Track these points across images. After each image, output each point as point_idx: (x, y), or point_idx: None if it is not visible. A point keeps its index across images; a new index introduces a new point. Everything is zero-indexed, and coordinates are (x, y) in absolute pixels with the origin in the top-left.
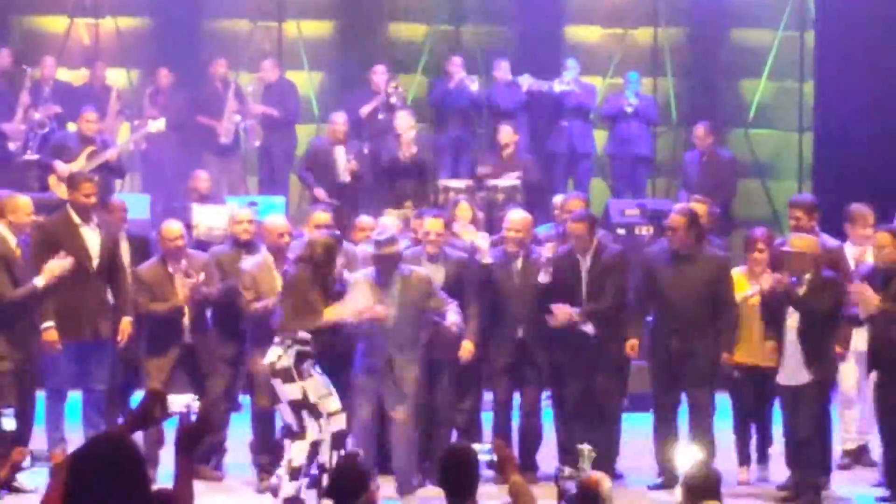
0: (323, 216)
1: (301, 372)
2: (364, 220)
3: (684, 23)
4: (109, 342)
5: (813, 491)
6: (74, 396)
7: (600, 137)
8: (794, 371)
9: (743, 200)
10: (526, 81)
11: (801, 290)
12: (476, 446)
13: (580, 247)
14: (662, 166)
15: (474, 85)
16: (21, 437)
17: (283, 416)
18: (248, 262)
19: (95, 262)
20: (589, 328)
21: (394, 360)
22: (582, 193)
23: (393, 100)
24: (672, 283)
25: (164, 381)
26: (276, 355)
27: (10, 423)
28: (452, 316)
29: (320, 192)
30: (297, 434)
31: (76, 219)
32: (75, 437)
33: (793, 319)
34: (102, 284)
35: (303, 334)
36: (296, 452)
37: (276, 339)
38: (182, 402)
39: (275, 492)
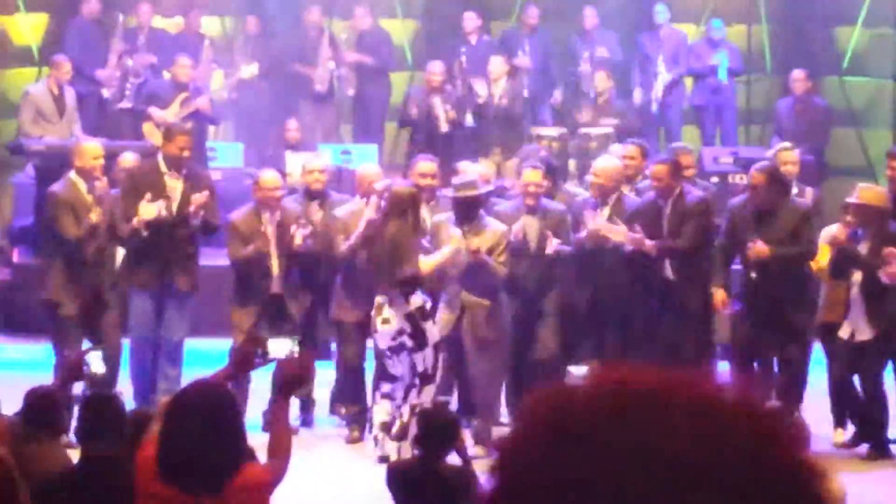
0: (428, 165)
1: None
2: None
3: None
4: (189, 294)
5: (875, 447)
6: None
7: (689, 84)
8: (856, 326)
9: (837, 149)
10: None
11: (865, 245)
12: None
13: (662, 191)
14: (756, 114)
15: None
16: (110, 381)
17: (423, 360)
18: (341, 210)
19: (173, 212)
20: (668, 272)
21: (469, 308)
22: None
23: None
24: (756, 239)
25: (249, 329)
26: (421, 299)
27: (99, 366)
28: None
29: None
30: (430, 377)
31: (163, 167)
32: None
33: (858, 274)
34: (184, 235)
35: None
36: (428, 396)
37: (409, 290)
38: (283, 347)
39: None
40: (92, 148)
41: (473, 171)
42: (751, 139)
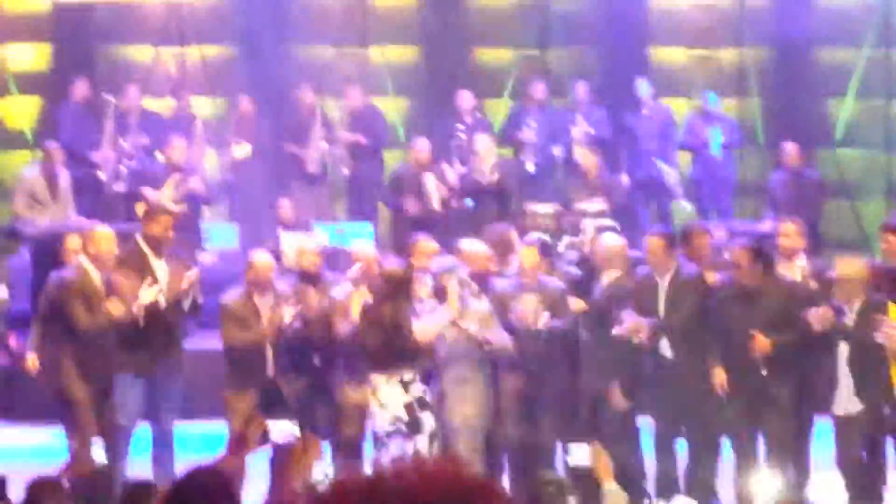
0: (429, 246)
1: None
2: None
3: (769, 42)
4: (178, 377)
5: None
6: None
7: (684, 158)
8: (846, 400)
9: (831, 221)
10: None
11: (850, 319)
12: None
13: (657, 266)
14: (749, 187)
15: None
16: (112, 470)
17: (414, 447)
18: (338, 291)
19: (164, 296)
20: (664, 348)
21: (448, 392)
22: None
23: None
24: (741, 318)
25: (248, 414)
26: (422, 389)
27: (100, 456)
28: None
29: (411, 203)
30: None
31: (147, 250)
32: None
33: (843, 347)
34: (172, 318)
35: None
36: None
37: (406, 375)
38: (283, 430)
39: None
40: (104, 235)
41: (475, 250)
42: (745, 213)
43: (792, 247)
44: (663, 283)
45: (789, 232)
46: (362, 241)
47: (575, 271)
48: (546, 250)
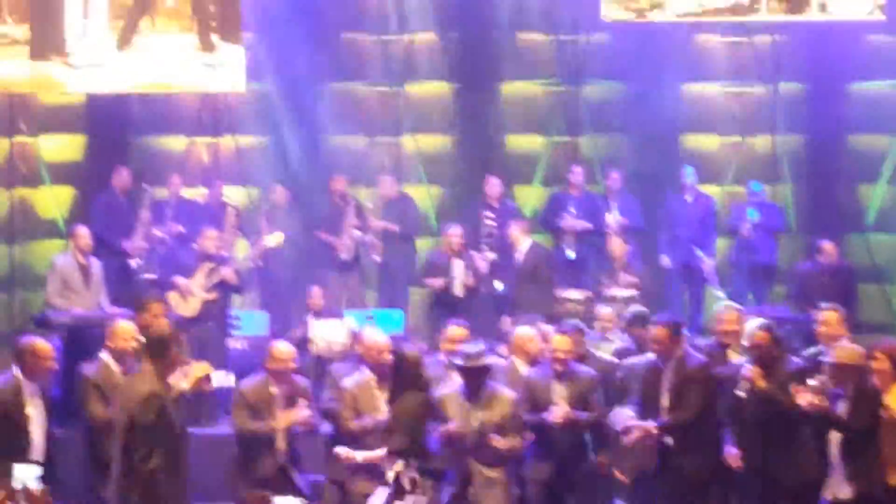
0: (458, 331)
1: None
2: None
3: (802, 130)
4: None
5: None
6: None
7: (722, 245)
8: (837, 485)
9: (862, 305)
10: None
11: (844, 404)
12: None
13: (662, 354)
14: (781, 272)
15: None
16: None
17: None
18: (349, 381)
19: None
20: (668, 439)
21: (475, 479)
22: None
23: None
24: (750, 400)
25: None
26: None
27: None
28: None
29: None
30: None
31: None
32: None
33: (836, 432)
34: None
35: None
36: None
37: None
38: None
39: None
40: (125, 328)
41: (526, 337)
42: (775, 297)
43: (832, 335)
44: (668, 372)
45: (830, 320)
46: (374, 330)
47: (608, 357)
48: (581, 335)
